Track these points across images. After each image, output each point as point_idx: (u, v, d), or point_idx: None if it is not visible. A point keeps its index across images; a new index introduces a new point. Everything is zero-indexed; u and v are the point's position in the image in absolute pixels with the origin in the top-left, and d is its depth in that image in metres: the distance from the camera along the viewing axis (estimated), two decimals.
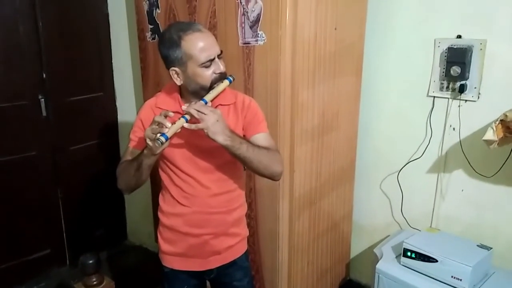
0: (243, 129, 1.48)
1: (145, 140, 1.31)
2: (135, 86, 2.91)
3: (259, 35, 1.77)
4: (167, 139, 1.28)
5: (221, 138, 1.31)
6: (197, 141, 1.43)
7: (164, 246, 1.59)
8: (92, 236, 3.07)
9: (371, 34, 2.19)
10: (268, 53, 1.76)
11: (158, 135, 1.27)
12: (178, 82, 1.41)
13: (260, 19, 1.74)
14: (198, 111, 1.30)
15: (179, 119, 1.32)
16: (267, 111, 1.80)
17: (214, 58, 1.37)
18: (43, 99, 2.67)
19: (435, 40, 2.00)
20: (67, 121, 2.82)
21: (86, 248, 2.55)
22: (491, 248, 1.84)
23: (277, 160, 1.46)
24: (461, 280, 1.72)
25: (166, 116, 1.29)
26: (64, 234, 2.92)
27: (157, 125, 1.28)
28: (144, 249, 3.18)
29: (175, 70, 1.39)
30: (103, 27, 2.95)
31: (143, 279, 2.70)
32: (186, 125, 1.31)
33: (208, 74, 1.37)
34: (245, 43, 1.82)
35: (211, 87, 1.39)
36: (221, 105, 1.45)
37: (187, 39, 1.34)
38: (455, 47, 1.92)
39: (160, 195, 1.59)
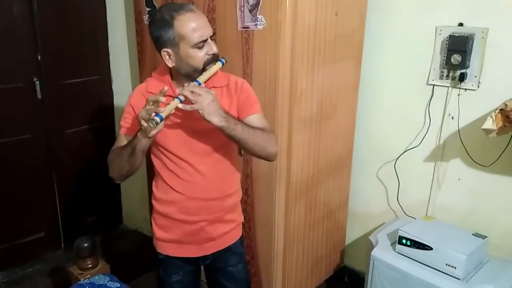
0: (237, 110, 1.47)
1: (139, 122, 1.29)
2: (132, 70, 2.88)
3: (258, 19, 1.74)
4: (162, 119, 1.26)
5: (216, 119, 1.29)
6: (190, 124, 1.41)
7: (158, 232, 1.58)
8: (87, 220, 3.07)
9: (371, 20, 2.16)
10: (267, 38, 1.74)
11: (153, 115, 1.25)
12: (170, 64, 1.38)
13: (260, 2, 1.71)
14: (193, 92, 1.28)
15: (173, 99, 1.30)
16: (266, 97, 1.79)
17: (206, 39, 1.35)
18: (38, 82, 2.65)
19: (436, 28, 1.98)
20: (63, 104, 2.80)
21: (81, 231, 2.56)
22: (486, 237, 1.85)
23: (272, 141, 1.45)
24: (455, 268, 1.73)
25: (156, 101, 1.26)
26: (59, 217, 2.91)
27: (152, 104, 1.26)
28: (140, 233, 3.19)
29: (167, 51, 1.36)
30: (99, 9, 2.91)
31: (139, 263, 2.70)
32: (180, 105, 1.29)
33: (201, 55, 1.35)
34: (244, 27, 1.79)
35: (203, 69, 1.37)
36: (214, 87, 1.44)
37: (180, 19, 1.32)
38: (456, 35, 1.89)
39: (153, 182, 1.57)
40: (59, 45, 2.71)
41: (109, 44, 3.00)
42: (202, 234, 1.53)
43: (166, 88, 1.29)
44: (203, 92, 1.28)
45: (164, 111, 1.27)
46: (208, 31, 1.36)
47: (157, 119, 1.25)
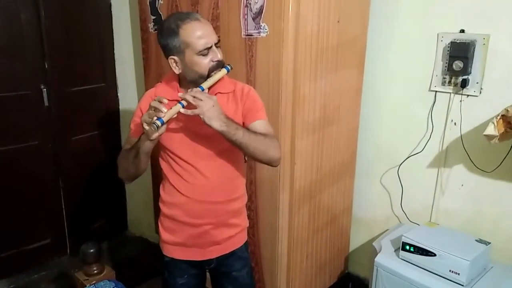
0: (242, 117, 1.49)
1: (142, 125, 1.33)
2: (137, 77, 2.91)
3: (261, 27, 1.76)
4: (163, 123, 1.30)
5: (217, 123, 1.33)
6: (195, 128, 1.44)
7: (164, 235, 1.61)
8: (92, 226, 3.09)
9: (374, 27, 2.18)
10: (270, 45, 1.76)
11: (154, 119, 1.29)
12: (177, 70, 1.43)
13: (263, 11, 1.74)
14: (194, 97, 1.32)
15: (176, 104, 1.34)
16: (269, 103, 1.80)
17: (211, 46, 1.39)
18: (45, 89, 2.68)
19: (438, 35, 1.99)
20: (69, 111, 2.83)
21: (87, 238, 2.57)
22: (490, 243, 1.85)
23: (274, 146, 1.47)
24: (459, 274, 1.73)
25: (160, 102, 1.31)
26: (65, 224, 2.93)
27: (153, 110, 1.30)
28: (144, 239, 3.20)
29: (173, 59, 1.41)
30: (105, 17, 2.95)
31: (143, 269, 2.71)
32: (182, 110, 1.33)
33: (205, 62, 1.39)
34: (247, 35, 1.82)
35: (209, 75, 1.40)
36: (220, 93, 1.47)
37: (185, 28, 1.36)
38: (458, 41, 1.91)
39: (161, 185, 1.61)
40: (66, 53, 2.75)
41: (115, 51, 3.03)
42: (206, 237, 1.55)
43: (165, 100, 1.32)
44: (205, 98, 1.32)
45: (166, 116, 1.31)
46: (213, 39, 1.40)
47: (158, 123, 1.29)
